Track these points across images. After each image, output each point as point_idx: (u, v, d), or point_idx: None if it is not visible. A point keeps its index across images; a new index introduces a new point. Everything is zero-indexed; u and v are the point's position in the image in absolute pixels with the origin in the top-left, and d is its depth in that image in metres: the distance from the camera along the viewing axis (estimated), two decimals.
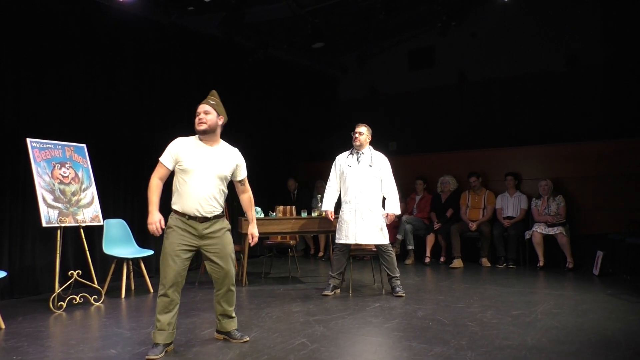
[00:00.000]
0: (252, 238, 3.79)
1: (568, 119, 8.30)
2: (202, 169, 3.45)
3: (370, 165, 5.25)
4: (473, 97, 9.31)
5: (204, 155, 3.50)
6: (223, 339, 3.73)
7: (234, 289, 3.65)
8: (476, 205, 7.55)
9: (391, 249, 5.32)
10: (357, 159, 5.30)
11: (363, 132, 5.31)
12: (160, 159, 3.51)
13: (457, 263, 7.10)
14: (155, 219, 3.41)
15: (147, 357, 3.33)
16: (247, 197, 3.80)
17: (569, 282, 5.88)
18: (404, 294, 5.14)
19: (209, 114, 3.49)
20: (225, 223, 3.61)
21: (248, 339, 3.68)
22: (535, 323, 4.01)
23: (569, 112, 8.32)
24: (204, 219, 3.47)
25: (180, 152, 3.47)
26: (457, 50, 9.29)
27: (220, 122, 3.57)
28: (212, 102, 3.55)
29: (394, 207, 5.28)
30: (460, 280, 6.18)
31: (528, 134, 8.32)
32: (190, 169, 3.44)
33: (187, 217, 3.45)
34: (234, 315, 3.71)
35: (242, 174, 3.71)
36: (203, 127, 3.48)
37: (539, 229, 6.81)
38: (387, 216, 5.26)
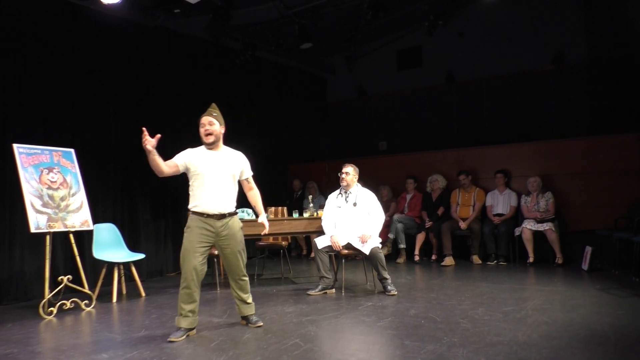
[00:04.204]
0: (264, 227, 4.23)
1: (555, 116, 8.39)
2: (214, 171, 3.88)
3: (355, 204, 5.43)
4: (461, 96, 9.37)
5: (213, 159, 3.92)
6: (245, 323, 4.14)
7: (245, 278, 4.10)
8: (466, 203, 7.59)
9: (380, 250, 5.34)
10: (345, 199, 5.52)
11: (350, 172, 5.51)
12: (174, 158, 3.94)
13: (449, 261, 7.14)
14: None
15: (169, 339, 3.76)
16: (253, 193, 4.24)
17: (559, 278, 5.94)
18: (396, 293, 5.16)
19: (213, 124, 3.92)
20: (238, 221, 4.02)
21: (262, 324, 4.08)
22: (526, 319, 4.04)
23: (556, 110, 8.42)
24: (221, 216, 3.87)
25: (191, 160, 3.89)
26: (445, 50, 9.36)
27: (222, 130, 3.99)
28: (214, 113, 3.97)
29: (371, 230, 5.37)
30: (452, 277, 6.21)
31: (516, 132, 8.39)
32: (204, 173, 3.86)
33: (205, 215, 3.85)
34: (249, 301, 4.12)
35: (248, 173, 4.14)
36: (211, 138, 3.91)
37: (529, 226, 6.86)
38: (361, 235, 5.32)
